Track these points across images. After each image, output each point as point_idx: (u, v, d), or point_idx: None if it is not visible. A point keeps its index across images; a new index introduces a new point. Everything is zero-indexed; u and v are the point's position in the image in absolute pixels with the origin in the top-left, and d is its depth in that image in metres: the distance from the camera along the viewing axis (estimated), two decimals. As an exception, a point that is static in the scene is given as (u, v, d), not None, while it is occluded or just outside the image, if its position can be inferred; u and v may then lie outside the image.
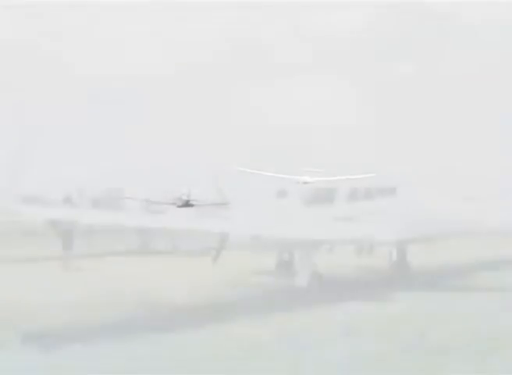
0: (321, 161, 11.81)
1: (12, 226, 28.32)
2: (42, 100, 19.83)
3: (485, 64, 19.50)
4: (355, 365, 7.56)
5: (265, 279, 15.27)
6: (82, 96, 20.18)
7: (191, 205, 21.01)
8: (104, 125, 19.61)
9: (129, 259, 20.46)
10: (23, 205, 15.91)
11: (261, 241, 13.75)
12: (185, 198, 22.20)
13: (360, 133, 17.76)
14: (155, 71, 20.61)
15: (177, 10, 20.71)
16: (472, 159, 15.97)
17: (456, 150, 16.44)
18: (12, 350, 8.81)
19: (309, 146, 17.49)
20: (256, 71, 20.47)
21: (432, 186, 15.15)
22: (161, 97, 20.40)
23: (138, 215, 20.31)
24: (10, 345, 8.67)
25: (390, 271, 16.76)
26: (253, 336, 8.95)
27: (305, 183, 13.51)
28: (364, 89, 19.78)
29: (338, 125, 18.35)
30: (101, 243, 23.20)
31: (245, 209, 15.06)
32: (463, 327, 9.68)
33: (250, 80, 20.54)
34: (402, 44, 20.48)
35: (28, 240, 26.74)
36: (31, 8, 20.24)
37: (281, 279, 15.22)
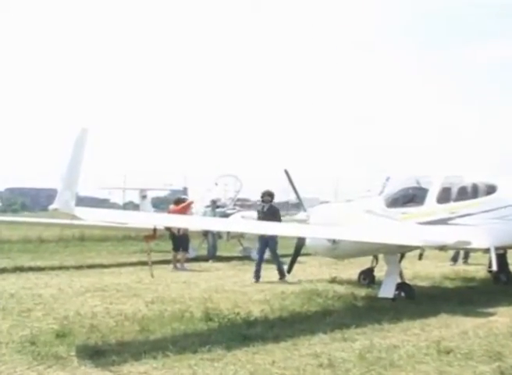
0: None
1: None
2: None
3: None
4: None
5: (346, 289, 15.25)
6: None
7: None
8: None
9: (213, 265, 21.54)
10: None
11: (340, 246, 13.73)
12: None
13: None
14: None
15: None
16: None
17: None
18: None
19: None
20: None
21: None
22: None
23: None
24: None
25: (490, 282, 16.47)
26: (332, 352, 8.76)
27: None
28: None
29: None
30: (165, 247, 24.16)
31: (321, 211, 15.13)
32: None
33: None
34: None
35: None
36: None
37: (364, 289, 15.22)
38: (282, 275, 17.28)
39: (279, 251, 18.10)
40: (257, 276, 17.24)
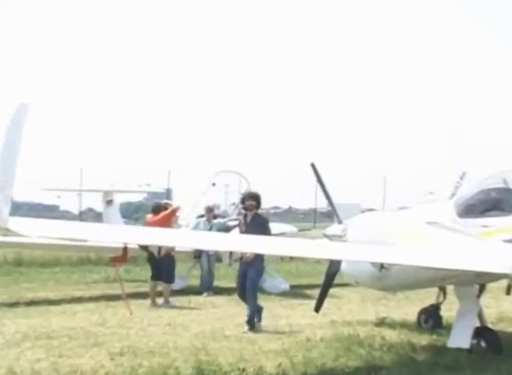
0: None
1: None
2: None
3: None
4: None
5: (400, 336, 15.29)
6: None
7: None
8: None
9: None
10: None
11: (391, 273, 13.70)
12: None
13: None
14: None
15: None
16: None
17: None
18: None
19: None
20: None
21: None
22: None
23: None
24: None
25: None
26: None
27: None
28: None
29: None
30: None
31: (364, 223, 15.24)
32: None
33: None
34: None
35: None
36: None
37: (426, 336, 15.24)
38: (251, 325, 16.91)
39: (301, 281, 17.91)
40: (258, 316, 17.04)
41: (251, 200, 17.31)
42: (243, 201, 17.88)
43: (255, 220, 17.10)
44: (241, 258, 16.98)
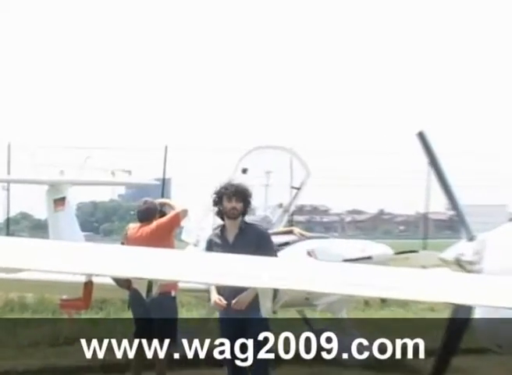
0: None
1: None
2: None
3: None
4: None
5: None
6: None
7: None
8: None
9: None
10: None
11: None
12: None
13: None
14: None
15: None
16: None
17: None
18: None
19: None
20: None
21: None
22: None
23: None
24: None
25: None
26: None
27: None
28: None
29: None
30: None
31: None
32: None
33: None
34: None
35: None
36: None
37: None
38: None
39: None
40: None
41: (235, 199, 14.68)
42: (217, 201, 15.19)
43: (244, 236, 14.70)
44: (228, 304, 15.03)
